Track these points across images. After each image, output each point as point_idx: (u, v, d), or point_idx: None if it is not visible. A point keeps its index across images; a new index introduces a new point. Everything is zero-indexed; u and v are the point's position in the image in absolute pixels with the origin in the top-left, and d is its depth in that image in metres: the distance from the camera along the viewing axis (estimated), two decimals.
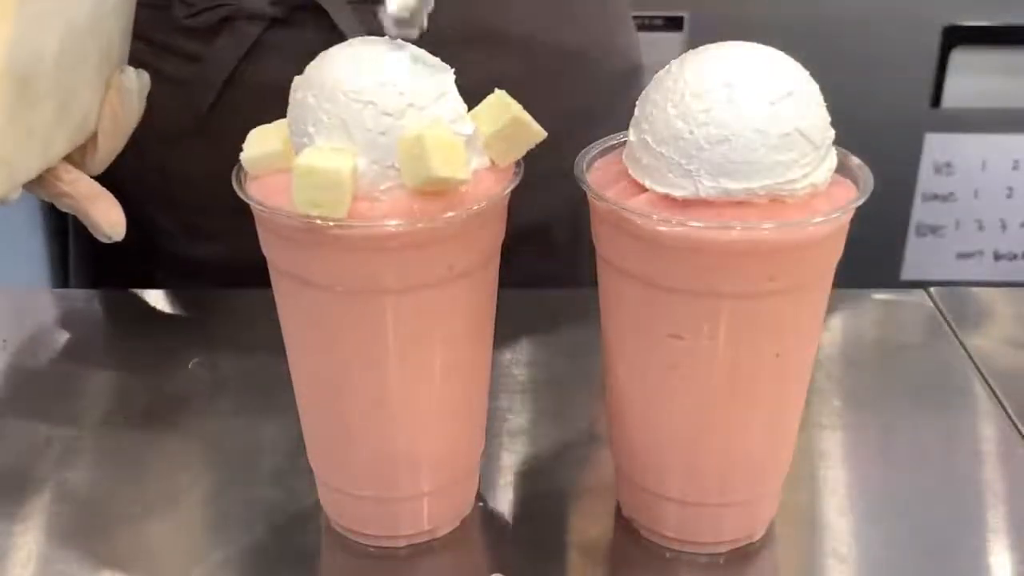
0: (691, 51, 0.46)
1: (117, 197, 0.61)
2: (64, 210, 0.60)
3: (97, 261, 0.84)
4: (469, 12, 0.72)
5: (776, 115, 0.43)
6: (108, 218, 0.59)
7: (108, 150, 0.61)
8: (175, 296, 0.74)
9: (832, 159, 0.46)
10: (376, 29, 0.66)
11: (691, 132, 0.43)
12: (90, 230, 0.60)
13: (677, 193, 0.44)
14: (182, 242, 0.77)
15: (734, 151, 0.43)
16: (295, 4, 0.69)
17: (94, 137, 0.60)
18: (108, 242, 0.60)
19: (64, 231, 1.65)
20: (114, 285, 0.79)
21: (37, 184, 0.58)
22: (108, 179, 0.61)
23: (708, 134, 0.43)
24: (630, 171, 0.46)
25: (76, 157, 0.59)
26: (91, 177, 0.60)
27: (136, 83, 0.62)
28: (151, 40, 0.68)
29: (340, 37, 0.66)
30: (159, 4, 0.70)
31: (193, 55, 0.72)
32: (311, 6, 0.68)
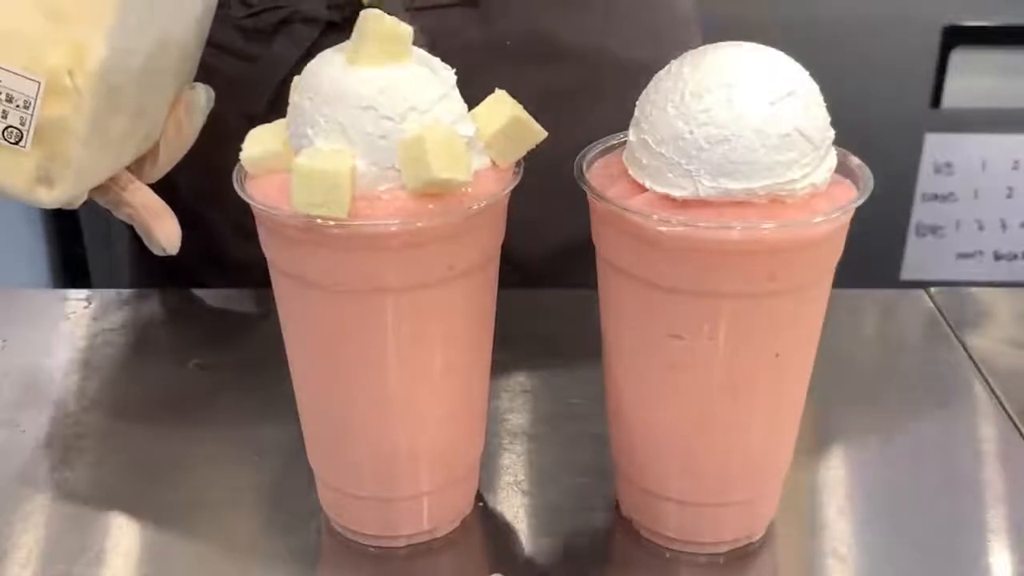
0: (691, 51, 0.46)
1: (171, 195, 0.61)
2: (122, 219, 0.61)
3: (148, 264, 0.83)
4: (531, 23, 0.71)
5: (776, 115, 0.43)
6: (165, 231, 0.60)
7: (167, 161, 0.62)
8: (175, 296, 0.74)
9: (832, 159, 0.46)
10: (435, 33, 0.66)
11: (691, 132, 0.43)
12: (145, 242, 0.61)
13: (677, 193, 0.44)
14: (232, 242, 0.77)
15: (734, 151, 0.43)
16: (352, 9, 0.68)
17: (155, 147, 0.61)
18: (162, 255, 0.60)
19: (67, 233, 1.65)
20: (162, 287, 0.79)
21: (99, 191, 0.59)
22: (163, 177, 0.61)
23: (708, 134, 0.43)
24: (630, 171, 0.46)
25: (134, 165, 0.60)
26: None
27: (203, 99, 0.63)
28: (208, 38, 0.68)
29: None
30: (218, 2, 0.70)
31: (249, 55, 0.72)
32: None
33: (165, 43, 0.57)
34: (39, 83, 0.52)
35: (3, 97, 0.52)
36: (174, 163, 0.62)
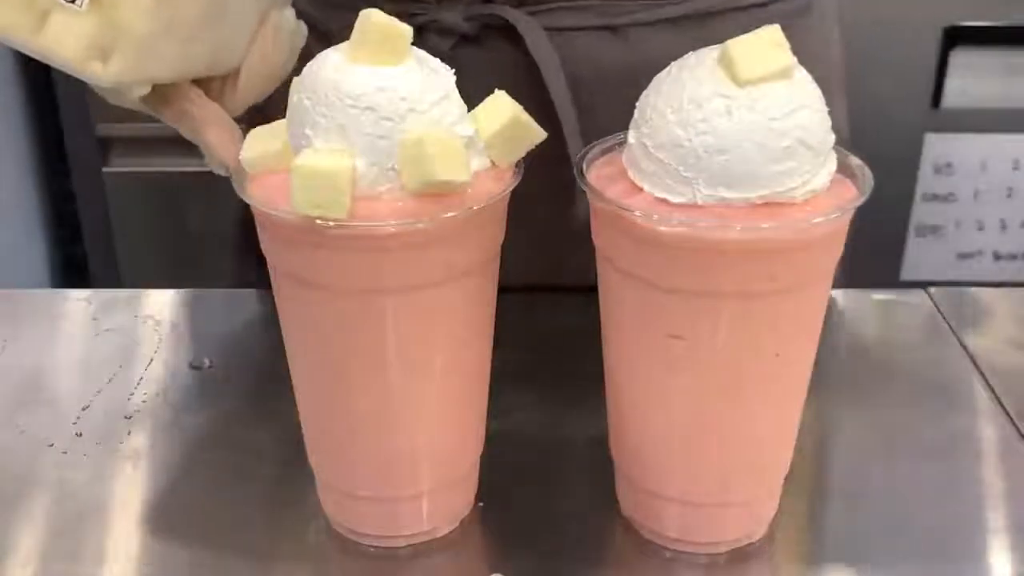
0: (692, 52, 0.45)
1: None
2: (185, 136, 0.55)
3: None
4: (669, 51, 0.68)
5: (777, 126, 0.43)
6: (223, 145, 0.53)
7: (248, 90, 0.55)
8: (175, 296, 0.74)
9: (832, 163, 0.45)
10: (568, 54, 0.62)
11: (689, 140, 0.43)
12: (206, 160, 0.55)
13: (675, 199, 0.44)
14: None
15: (733, 162, 0.43)
16: (487, 23, 0.66)
17: (237, 72, 0.55)
18: (222, 174, 0.54)
19: (67, 233, 1.64)
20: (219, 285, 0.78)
21: (163, 100, 0.53)
22: None
23: (706, 143, 0.43)
24: (629, 173, 0.46)
25: (216, 89, 0.55)
26: None
27: (294, 25, 0.57)
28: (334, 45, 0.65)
29: (530, 63, 0.63)
30: (347, 5, 0.63)
31: None
32: (504, 27, 0.65)
33: None
34: None
35: None
36: (256, 97, 0.57)
